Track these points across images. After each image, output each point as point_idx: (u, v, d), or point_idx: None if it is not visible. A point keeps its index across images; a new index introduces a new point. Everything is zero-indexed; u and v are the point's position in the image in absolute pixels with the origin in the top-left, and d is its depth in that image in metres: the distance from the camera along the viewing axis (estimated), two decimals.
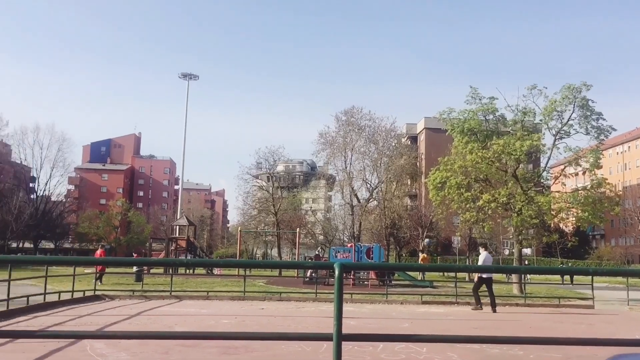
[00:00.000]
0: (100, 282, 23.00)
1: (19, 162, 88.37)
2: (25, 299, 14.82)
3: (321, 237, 71.95)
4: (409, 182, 78.51)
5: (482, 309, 17.18)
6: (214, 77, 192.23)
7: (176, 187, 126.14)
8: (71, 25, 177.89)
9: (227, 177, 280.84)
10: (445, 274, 43.29)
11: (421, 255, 40.87)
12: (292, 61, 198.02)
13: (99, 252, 31.72)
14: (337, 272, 4.41)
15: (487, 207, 28.58)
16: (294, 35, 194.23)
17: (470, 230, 54.66)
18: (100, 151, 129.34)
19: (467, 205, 29.67)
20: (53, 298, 16.10)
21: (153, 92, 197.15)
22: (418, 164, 77.10)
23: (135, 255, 54.68)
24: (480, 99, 29.71)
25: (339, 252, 32.00)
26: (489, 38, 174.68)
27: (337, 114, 63.39)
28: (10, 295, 13.71)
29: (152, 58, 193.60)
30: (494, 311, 16.65)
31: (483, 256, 18.03)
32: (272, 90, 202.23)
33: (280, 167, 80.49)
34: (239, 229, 53.42)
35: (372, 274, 27.63)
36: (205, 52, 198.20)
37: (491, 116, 30.12)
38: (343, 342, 3.97)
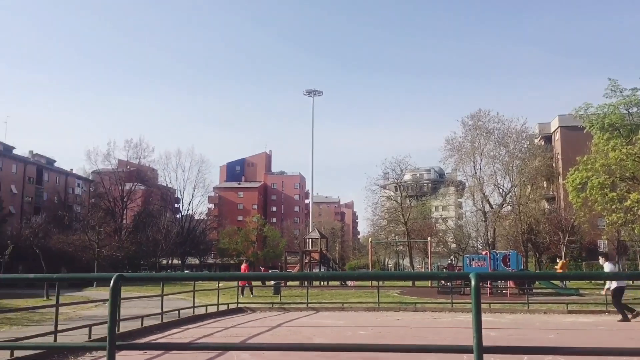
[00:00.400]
0: (252, 293, 24.28)
1: (164, 184, 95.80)
2: (177, 312, 15.96)
3: (453, 246, 70.25)
4: (545, 185, 74.38)
5: (638, 316, 15.83)
6: (338, 91, 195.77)
7: (307, 201, 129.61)
8: (204, 54, 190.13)
9: (355, 189, 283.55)
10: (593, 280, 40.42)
11: (560, 262, 38.45)
12: (414, 68, 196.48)
13: (243, 266, 33.52)
14: (473, 283, 4.35)
15: (636, 208, 26.42)
16: (414, 42, 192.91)
17: (618, 233, 50.61)
18: (235, 170, 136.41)
19: (613, 206, 27.65)
20: (201, 311, 17.21)
21: (280, 111, 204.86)
22: (554, 164, 72.87)
23: (262, 269, 56.74)
24: (621, 92, 27.72)
25: (473, 260, 31.06)
26: (625, 24, 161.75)
27: (463, 118, 61.84)
28: (164, 309, 14.84)
29: (277, 77, 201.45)
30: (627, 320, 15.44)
31: (609, 267, 16.83)
32: (396, 100, 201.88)
33: (407, 176, 79.95)
34: (370, 239, 53.63)
35: (510, 283, 26.51)
36: (327, 67, 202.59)
37: (635, 109, 27.95)
38: (484, 355, 3.90)
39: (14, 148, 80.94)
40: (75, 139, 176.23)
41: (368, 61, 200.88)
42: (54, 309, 10.91)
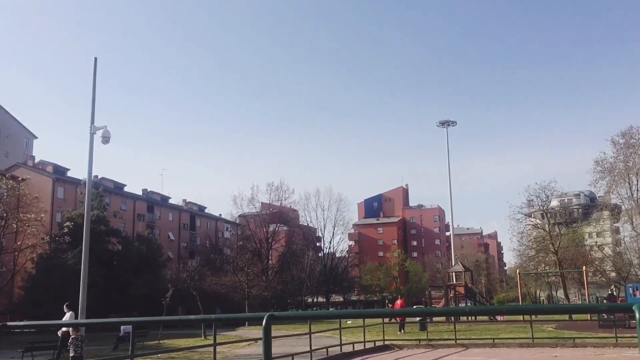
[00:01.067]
0: (403, 330, 24.09)
1: (305, 224, 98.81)
2: (325, 350, 16.20)
3: (613, 274, 64.55)
4: None
5: None
6: (471, 119, 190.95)
7: (447, 233, 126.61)
8: (338, 94, 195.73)
9: (497, 218, 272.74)
10: None
11: None
12: (549, 87, 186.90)
13: (399, 302, 33.33)
14: (638, 315, 4.03)
15: None
16: (548, 58, 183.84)
17: None
18: (373, 206, 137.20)
19: None
20: (348, 349, 17.32)
21: (415, 144, 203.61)
22: None
23: (389, 306, 55.62)
24: None
25: (638, 290, 28.39)
26: None
27: (613, 137, 57.31)
28: (313, 347, 15.14)
29: (409, 111, 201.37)
30: None
31: None
32: (535, 125, 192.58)
33: (554, 202, 75.30)
34: (517, 271, 51.02)
35: None
36: (460, 96, 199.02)
37: None
38: None
39: (169, 198, 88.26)
40: (222, 186, 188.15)
41: (498, 86, 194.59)
42: (211, 348, 11.60)
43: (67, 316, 17.40)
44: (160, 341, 28.05)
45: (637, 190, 56.21)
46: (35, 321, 6.83)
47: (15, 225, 24.88)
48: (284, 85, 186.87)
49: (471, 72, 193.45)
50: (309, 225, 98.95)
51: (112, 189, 72.64)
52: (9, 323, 5.44)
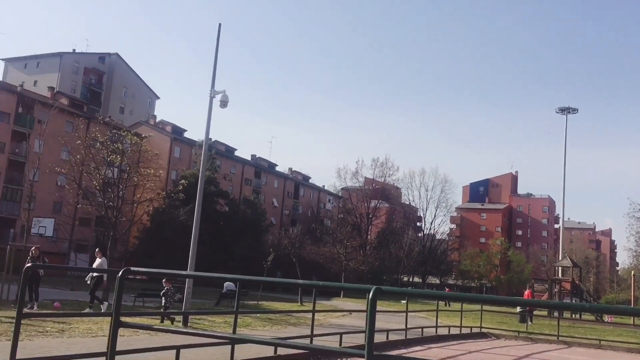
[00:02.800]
0: (531, 321, 23.59)
1: (407, 203, 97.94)
2: (420, 330, 16.08)
3: None
4: None
5: None
6: (595, 109, 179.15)
7: (556, 226, 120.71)
8: (449, 70, 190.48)
9: (613, 215, 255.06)
10: None
11: None
12: None
13: (527, 292, 32.65)
14: None
15: None
16: None
17: None
18: (479, 191, 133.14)
19: None
20: (443, 331, 17.08)
21: (529, 129, 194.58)
22: None
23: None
24: None
25: None
26: None
27: None
28: (408, 326, 15.07)
29: (527, 94, 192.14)
30: None
31: None
32: None
33: None
34: (632, 273, 47.75)
35: None
36: (584, 83, 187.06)
37: None
38: None
39: (276, 165, 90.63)
40: (327, 158, 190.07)
41: (627, 75, 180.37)
42: (306, 314, 11.92)
43: (98, 262, 18.13)
44: (259, 302, 29.15)
45: None
46: (151, 269, 7.31)
47: (135, 179, 26.56)
48: (399, 61, 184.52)
49: (597, 59, 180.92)
50: (411, 204, 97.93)
51: (224, 152, 75.62)
52: (132, 268, 5.82)
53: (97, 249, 18.62)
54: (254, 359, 8.79)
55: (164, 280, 18.24)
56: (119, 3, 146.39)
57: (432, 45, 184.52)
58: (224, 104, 17.81)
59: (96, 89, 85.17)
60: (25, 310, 12.31)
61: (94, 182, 25.83)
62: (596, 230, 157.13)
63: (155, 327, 8.09)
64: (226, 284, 25.99)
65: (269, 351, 9.26)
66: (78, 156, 27.17)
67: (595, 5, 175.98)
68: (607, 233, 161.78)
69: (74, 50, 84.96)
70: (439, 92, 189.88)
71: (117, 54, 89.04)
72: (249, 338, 6.87)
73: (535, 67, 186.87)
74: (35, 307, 16.67)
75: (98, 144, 26.88)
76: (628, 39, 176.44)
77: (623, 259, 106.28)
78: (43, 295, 19.58)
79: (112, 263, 26.93)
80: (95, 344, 10.22)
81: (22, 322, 5.98)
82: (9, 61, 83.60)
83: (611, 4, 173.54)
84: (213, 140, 68.73)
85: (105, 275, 18.31)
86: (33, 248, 17.92)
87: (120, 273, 5.65)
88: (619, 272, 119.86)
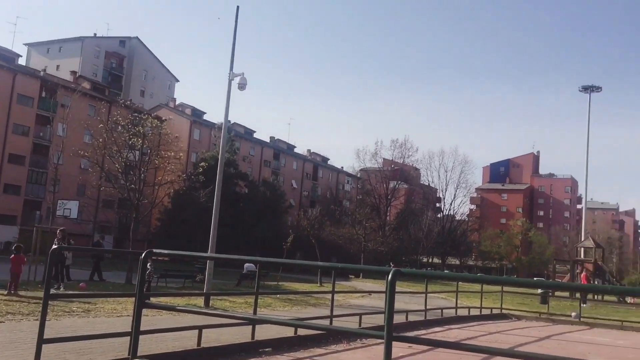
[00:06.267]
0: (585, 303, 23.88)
1: (427, 184, 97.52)
2: (440, 311, 16.13)
3: None
4: None
5: None
6: (619, 88, 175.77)
7: (579, 206, 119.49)
8: (464, 50, 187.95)
9: (638, 195, 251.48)
10: None
11: None
12: None
13: (583, 274, 32.74)
14: None
15: None
16: None
17: None
18: (499, 171, 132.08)
19: None
20: (463, 312, 17.11)
21: (551, 108, 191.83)
22: None
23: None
24: None
25: None
26: None
27: None
28: (427, 307, 15.12)
29: (548, 72, 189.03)
30: None
31: None
32: None
33: None
34: None
35: None
36: (609, 61, 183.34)
37: None
38: None
39: (295, 147, 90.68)
40: (346, 139, 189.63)
41: None
42: (326, 295, 12.02)
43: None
44: (279, 283, 29.42)
45: None
46: (173, 251, 7.41)
47: (157, 162, 26.80)
48: (418, 40, 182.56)
49: (621, 37, 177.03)
50: (430, 185, 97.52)
51: (243, 134, 75.85)
52: (154, 250, 5.93)
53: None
54: (274, 338, 8.92)
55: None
56: None
57: (452, 25, 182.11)
58: (242, 86, 17.83)
59: (117, 73, 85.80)
60: (52, 291, 12.61)
61: (116, 165, 26.11)
62: (619, 210, 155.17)
63: (178, 307, 8.23)
64: (246, 265, 26.27)
65: (289, 331, 9.38)
66: (100, 139, 27.45)
67: None
68: (631, 213, 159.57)
69: (95, 34, 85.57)
70: (458, 72, 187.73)
71: (137, 38, 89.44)
72: (269, 319, 6.98)
73: (558, 46, 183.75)
74: (61, 288, 17.02)
75: (120, 127, 27.12)
76: None
77: None
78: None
79: (134, 244, 27.35)
80: (120, 323, 10.44)
81: (49, 302, 6.13)
82: (32, 46, 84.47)
83: None
84: (232, 122, 69.01)
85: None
86: (58, 230, 18.24)
87: (143, 255, 5.76)
88: None
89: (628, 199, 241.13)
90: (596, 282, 40.33)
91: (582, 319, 18.48)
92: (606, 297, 34.35)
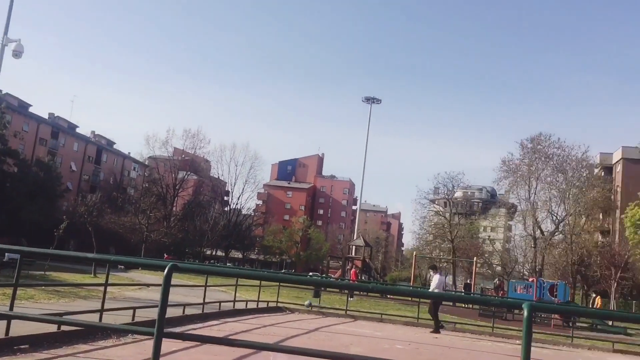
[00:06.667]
0: (352, 297, 24.87)
1: (216, 176, 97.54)
2: (218, 304, 16.17)
3: (499, 268, 68.73)
4: (600, 217, 71.89)
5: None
6: (397, 102, 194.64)
7: (354, 207, 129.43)
8: (266, 52, 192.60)
9: (404, 200, 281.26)
10: None
11: (598, 299, 36.06)
12: (475, 85, 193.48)
13: (352, 271, 34.24)
14: (526, 314, 4.25)
15: None
16: (478, 58, 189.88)
17: None
18: (287, 170, 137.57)
19: None
20: (241, 306, 17.39)
21: (337, 115, 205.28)
22: (612, 197, 70.33)
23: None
24: None
25: (518, 286, 30.36)
26: None
27: (522, 141, 60.32)
28: (206, 300, 15.06)
29: (338, 82, 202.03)
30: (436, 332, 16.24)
31: (436, 280, 17.21)
32: (454, 115, 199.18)
33: (458, 193, 78.73)
34: (414, 253, 53.13)
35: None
36: (388, 76, 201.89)
37: None
38: None
39: (77, 127, 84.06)
40: (136, 124, 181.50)
41: (430, 74, 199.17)
42: (99, 287, 11.30)
43: None
44: (47, 272, 27.00)
45: (535, 193, 59.76)
46: None
47: None
48: (221, 31, 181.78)
49: (405, 60, 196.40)
50: (220, 178, 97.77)
51: (16, 107, 68.18)
52: None
53: None
54: (33, 334, 8.10)
55: None
56: None
57: (253, 22, 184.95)
58: (18, 54, 16.01)
59: None
60: None
61: None
62: (388, 213, 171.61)
63: None
64: (7, 253, 23.63)
65: (51, 327, 8.60)
66: None
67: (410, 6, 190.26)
68: (397, 216, 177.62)
69: None
70: (256, 70, 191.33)
71: None
72: (26, 315, 6.31)
73: (349, 57, 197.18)
74: None
75: None
76: (431, 44, 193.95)
77: (408, 241, 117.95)
78: None
79: None
80: None
81: None
82: None
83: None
84: (4, 92, 61.59)
85: None
86: None
87: None
88: (404, 252, 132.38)
89: (396, 202, 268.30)
90: (364, 278, 44.07)
91: (348, 312, 19.98)
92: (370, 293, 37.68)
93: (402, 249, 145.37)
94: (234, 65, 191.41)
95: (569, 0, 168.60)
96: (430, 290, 17.19)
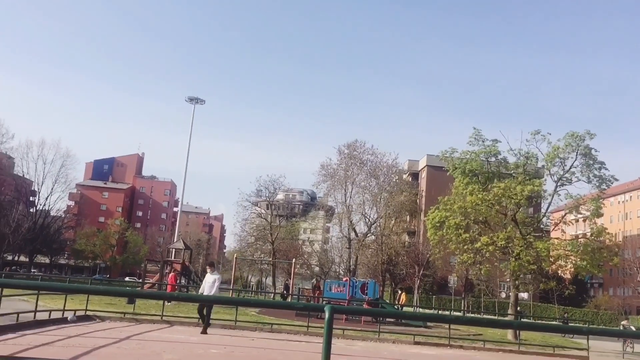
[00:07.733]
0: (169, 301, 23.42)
1: (21, 175, 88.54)
2: (16, 315, 14.70)
3: (317, 269, 71.55)
4: (407, 219, 78.35)
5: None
6: (221, 103, 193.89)
7: (175, 209, 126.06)
8: (79, 45, 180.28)
9: (226, 202, 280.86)
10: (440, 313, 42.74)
11: (403, 295, 39.41)
12: (298, 90, 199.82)
13: (171, 275, 32.46)
14: (327, 316, 4.40)
15: (484, 250, 28.50)
16: (300, 65, 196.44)
17: (467, 271, 54.24)
18: (103, 169, 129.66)
19: (465, 247, 29.59)
20: (44, 316, 15.97)
21: (159, 114, 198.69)
22: (418, 201, 77.05)
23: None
24: (483, 141, 29.92)
25: (333, 285, 31.84)
26: (495, 80, 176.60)
27: (339, 146, 63.59)
28: (1, 312, 13.60)
29: (160, 81, 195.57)
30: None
31: (215, 280, 16.70)
32: (277, 119, 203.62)
33: (280, 196, 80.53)
34: (235, 255, 53.12)
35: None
36: (212, 77, 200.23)
37: (493, 159, 30.30)
38: None
39: None
40: None
41: (253, 77, 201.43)
42: None
43: None
44: None
45: (350, 197, 63.24)
46: None
47: None
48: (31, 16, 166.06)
49: (228, 62, 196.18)
50: (25, 176, 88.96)
51: None
52: None
53: None
54: None
55: None
56: None
57: (81, 8, 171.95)
58: None
59: None
60: None
61: None
62: (210, 215, 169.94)
63: None
64: None
65: None
66: None
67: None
68: (220, 218, 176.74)
69: None
70: (72, 63, 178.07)
71: None
72: None
73: (171, 57, 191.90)
74: None
75: None
76: (252, 47, 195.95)
77: (230, 243, 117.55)
78: None
79: None
80: None
81: None
82: None
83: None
84: None
85: None
86: None
87: None
88: (226, 254, 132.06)
89: (218, 204, 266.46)
90: (183, 281, 43.05)
91: (164, 318, 19.35)
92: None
93: (224, 251, 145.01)
94: (44, 57, 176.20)
95: (380, 24, 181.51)
96: (207, 292, 16.36)
